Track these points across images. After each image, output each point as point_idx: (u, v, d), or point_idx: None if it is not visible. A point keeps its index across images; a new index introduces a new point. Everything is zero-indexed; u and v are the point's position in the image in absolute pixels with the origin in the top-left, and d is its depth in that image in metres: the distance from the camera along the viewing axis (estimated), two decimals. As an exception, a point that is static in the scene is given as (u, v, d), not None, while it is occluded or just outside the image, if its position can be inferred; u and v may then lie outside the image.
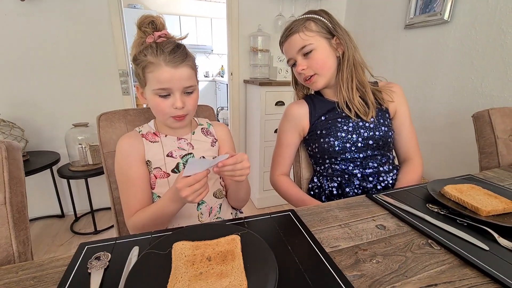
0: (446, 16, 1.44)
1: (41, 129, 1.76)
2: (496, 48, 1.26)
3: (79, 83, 1.77)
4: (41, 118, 1.74)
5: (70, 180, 1.84)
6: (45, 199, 1.90)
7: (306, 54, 0.79)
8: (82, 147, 1.68)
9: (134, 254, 0.43)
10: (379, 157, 0.82)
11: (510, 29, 1.21)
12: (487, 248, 0.46)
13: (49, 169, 1.71)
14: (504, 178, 0.78)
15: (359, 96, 0.82)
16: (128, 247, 0.45)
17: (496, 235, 0.48)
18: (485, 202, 0.57)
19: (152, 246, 0.43)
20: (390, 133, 0.83)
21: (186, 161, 0.70)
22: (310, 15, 0.80)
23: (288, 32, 0.80)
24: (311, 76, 0.81)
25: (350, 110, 0.81)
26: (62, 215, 1.96)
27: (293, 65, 0.85)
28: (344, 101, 0.82)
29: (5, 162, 0.47)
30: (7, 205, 0.46)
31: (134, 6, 4.08)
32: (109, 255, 0.43)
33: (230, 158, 0.53)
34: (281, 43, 0.85)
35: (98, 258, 0.42)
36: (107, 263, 0.41)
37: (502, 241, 0.47)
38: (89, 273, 0.39)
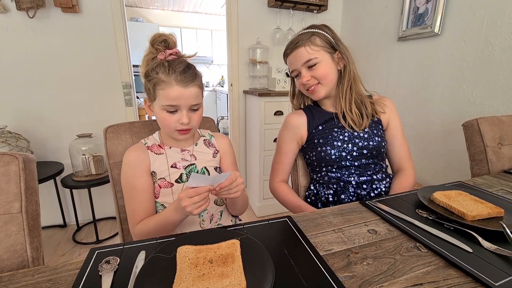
0: (436, 29, 1.51)
1: (46, 140, 1.81)
2: (484, 59, 1.32)
3: (83, 95, 1.82)
4: (46, 130, 1.79)
5: (72, 190, 1.87)
6: (47, 209, 1.92)
7: (310, 67, 0.83)
8: (85, 157, 1.72)
9: (141, 258, 0.47)
10: (372, 166, 0.86)
11: (496, 41, 1.26)
12: (470, 250, 0.49)
13: (52, 179, 1.75)
14: (493, 185, 0.81)
15: (356, 108, 0.86)
16: (135, 251, 0.48)
17: (480, 238, 0.52)
18: (471, 208, 0.60)
19: (158, 250, 0.46)
20: (383, 143, 0.87)
21: (189, 171, 0.74)
22: (315, 30, 0.84)
23: (294, 45, 0.84)
24: (314, 86, 0.85)
25: (345, 120, 0.86)
26: (64, 225, 1.98)
27: (296, 76, 0.89)
28: (341, 112, 0.86)
29: (22, 173, 0.51)
30: (23, 213, 0.50)
31: (136, 20, 4.20)
32: (118, 259, 0.46)
33: (225, 180, 0.57)
34: (286, 55, 0.89)
35: (108, 262, 0.45)
36: (117, 266, 0.44)
37: (485, 243, 0.50)
38: (100, 276, 0.42)
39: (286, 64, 0.92)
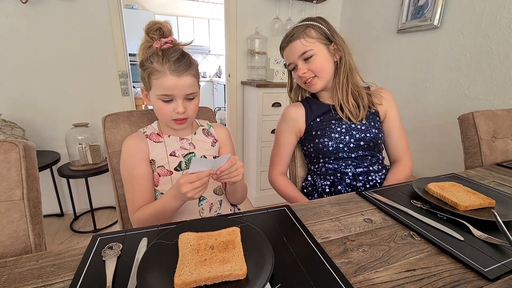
0: (436, 22, 1.50)
1: (41, 129, 1.79)
2: (482, 53, 1.33)
3: (79, 84, 1.80)
4: (41, 119, 1.77)
5: (69, 179, 1.86)
6: (44, 198, 1.91)
7: (306, 59, 0.84)
8: (82, 147, 1.71)
9: (143, 244, 0.48)
10: (369, 157, 0.88)
11: (495, 35, 1.27)
12: (462, 239, 0.51)
13: (49, 169, 1.74)
14: (485, 177, 0.84)
15: (353, 99, 0.87)
16: (137, 238, 0.49)
17: (471, 227, 0.54)
18: (463, 198, 0.62)
19: (160, 236, 0.47)
20: (380, 135, 0.88)
21: (189, 159, 0.75)
22: (309, 22, 0.84)
23: (290, 38, 0.85)
24: (311, 79, 0.86)
25: (343, 112, 0.86)
26: (61, 214, 1.98)
27: (293, 69, 0.89)
28: (338, 103, 0.87)
29: (23, 160, 0.51)
30: (25, 200, 0.50)
31: (132, 7, 4.09)
32: (120, 245, 0.47)
33: (225, 163, 0.58)
34: (282, 49, 0.89)
35: (110, 248, 0.46)
36: (119, 252, 0.45)
37: (476, 232, 0.52)
38: (104, 261, 0.43)
39: (283, 57, 0.92)
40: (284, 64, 1.84)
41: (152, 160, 0.73)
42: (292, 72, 0.92)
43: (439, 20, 1.49)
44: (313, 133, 0.88)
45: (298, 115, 0.90)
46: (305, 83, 0.87)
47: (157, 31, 0.68)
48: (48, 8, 1.62)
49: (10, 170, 0.50)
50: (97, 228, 1.84)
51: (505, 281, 0.41)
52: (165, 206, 0.64)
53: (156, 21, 0.69)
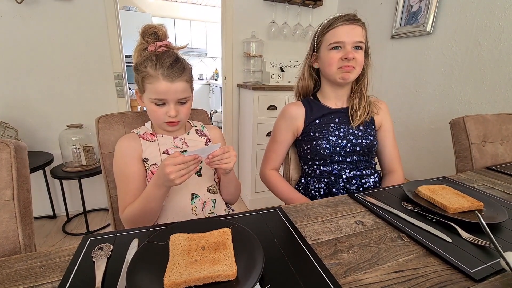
0: (428, 28, 1.53)
1: (35, 130, 1.77)
2: (473, 59, 1.35)
3: (74, 84, 1.79)
4: (35, 119, 1.75)
5: (62, 181, 1.85)
6: (36, 199, 1.89)
7: (356, 48, 0.82)
8: (76, 148, 1.70)
9: (134, 245, 0.47)
10: (363, 162, 0.89)
11: (485, 42, 1.30)
12: (450, 240, 0.52)
13: (41, 170, 1.72)
14: (475, 180, 0.85)
15: (361, 105, 0.89)
16: (128, 239, 0.49)
17: (459, 229, 0.54)
18: (453, 201, 0.63)
19: (151, 237, 0.47)
20: (375, 142, 0.90)
21: None
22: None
23: (355, 20, 0.81)
24: (351, 68, 0.81)
25: (347, 114, 0.89)
26: (53, 216, 1.96)
27: (334, 48, 0.82)
28: (352, 106, 0.89)
29: (14, 161, 0.51)
30: (15, 200, 0.50)
31: (129, 9, 4.10)
32: (111, 246, 0.47)
33: (218, 149, 0.61)
34: (337, 25, 0.81)
35: (101, 249, 0.46)
36: (110, 253, 0.45)
37: (464, 234, 0.53)
38: (94, 262, 0.43)
39: (321, 36, 0.85)
40: (281, 67, 1.85)
41: (145, 158, 0.73)
42: (329, 51, 0.82)
43: (431, 26, 1.52)
44: (311, 134, 0.89)
45: (298, 114, 0.91)
46: (345, 67, 0.81)
47: (152, 34, 0.69)
48: (44, 8, 1.61)
49: (0, 170, 0.50)
50: (89, 230, 1.82)
51: (490, 282, 0.42)
52: (149, 196, 0.64)
53: (152, 25, 0.70)
